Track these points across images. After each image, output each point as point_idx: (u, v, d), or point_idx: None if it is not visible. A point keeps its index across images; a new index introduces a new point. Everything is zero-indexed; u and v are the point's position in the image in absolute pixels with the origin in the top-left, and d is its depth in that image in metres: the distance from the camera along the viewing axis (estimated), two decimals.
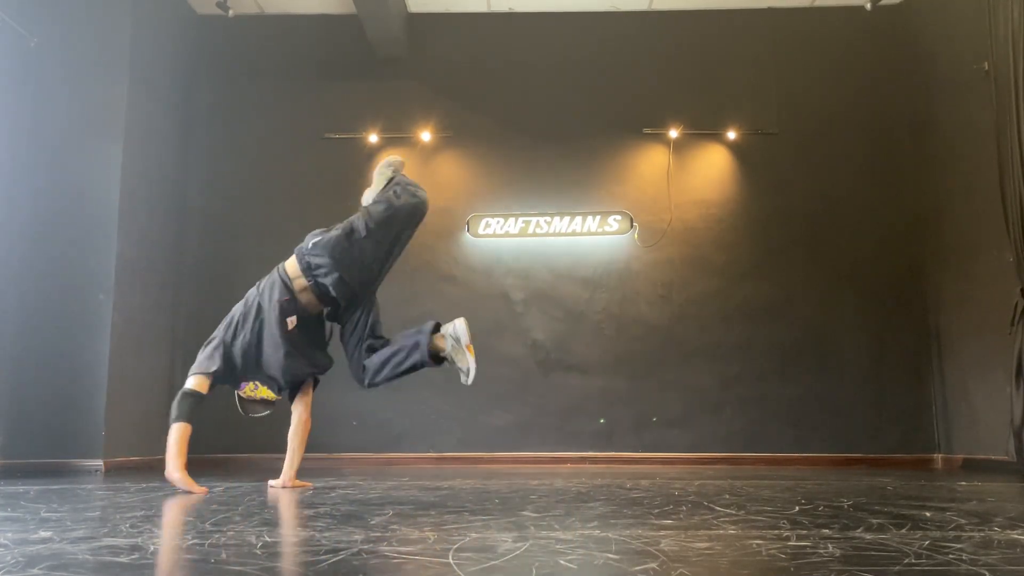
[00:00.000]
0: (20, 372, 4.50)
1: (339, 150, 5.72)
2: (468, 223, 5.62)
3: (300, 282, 3.20)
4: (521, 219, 5.56)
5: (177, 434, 3.02)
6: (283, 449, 5.31)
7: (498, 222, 5.58)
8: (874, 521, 1.87)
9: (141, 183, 5.01)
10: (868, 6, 5.39)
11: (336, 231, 3.20)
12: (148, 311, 5.07)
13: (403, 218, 3.29)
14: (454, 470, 4.55)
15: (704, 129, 5.69)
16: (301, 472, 4.22)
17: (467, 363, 3.03)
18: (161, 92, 5.33)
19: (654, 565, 1.28)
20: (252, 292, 3.29)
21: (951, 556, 1.36)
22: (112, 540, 1.56)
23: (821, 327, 5.46)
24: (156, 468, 4.97)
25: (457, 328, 3.05)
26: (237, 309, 3.27)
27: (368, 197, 3.41)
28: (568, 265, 5.59)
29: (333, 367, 5.63)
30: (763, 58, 5.77)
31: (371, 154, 5.73)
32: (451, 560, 1.33)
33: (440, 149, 5.73)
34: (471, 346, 3.06)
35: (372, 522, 1.88)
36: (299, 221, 5.67)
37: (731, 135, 5.65)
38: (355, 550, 1.44)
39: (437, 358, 3.09)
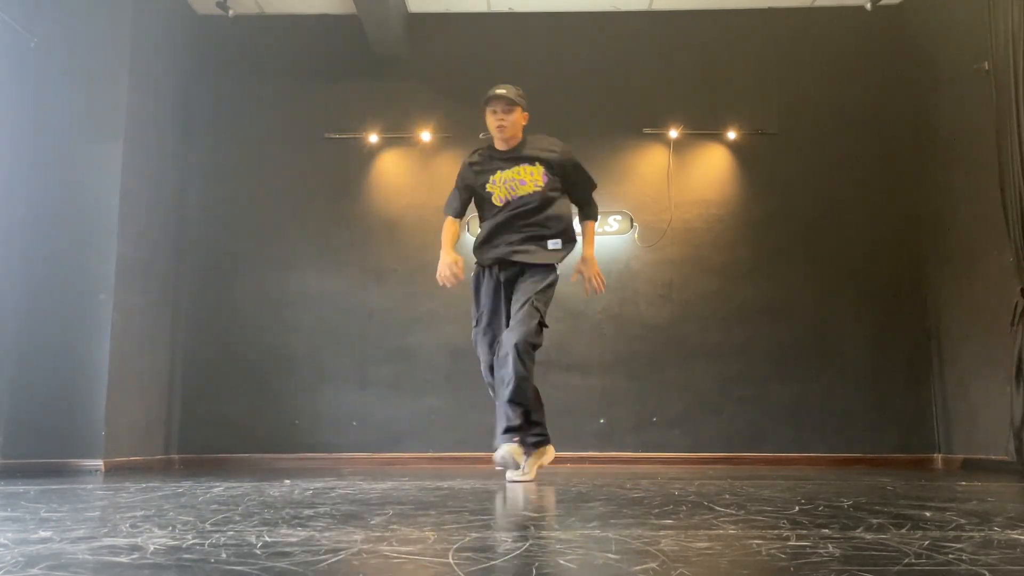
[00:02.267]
0: (20, 372, 4.50)
1: (339, 150, 5.72)
2: (468, 223, 5.61)
3: None
4: None
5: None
6: (281, 449, 5.32)
7: None
8: (874, 521, 1.87)
9: (141, 183, 5.01)
10: (868, 6, 5.39)
11: None
12: (148, 311, 5.07)
13: None
14: (454, 470, 4.55)
15: (704, 129, 5.69)
16: (302, 472, 4.23)
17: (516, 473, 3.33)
18: (161, 92, 5.33)
19: (654, 565, 1.28)
20: None
21: (951, 556, 1.36)
22: (112, 540, 1.56)
23: (821, 327, 5.46)
24: (156, 468, 4.98)
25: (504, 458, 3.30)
26: None
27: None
28: (568, 265, 5.57)
29: (328, 365, 5.64)
30: (763, 58, 5.77)
31: (371, 154, 5.74)
32: (451, 560, 1.33)
33: (440, 149, 5.73)
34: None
35: (372, 522, 1.88)
36: (299, 221, 5.69)
37: (731, 135, 5.65)
38: (355, 550, 1.44)
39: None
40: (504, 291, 3.49)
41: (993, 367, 4.65)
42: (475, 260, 3.60)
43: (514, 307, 3.38)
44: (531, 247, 3.46)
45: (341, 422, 5.42)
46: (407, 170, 5.74)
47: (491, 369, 3.48)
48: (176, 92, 5.55)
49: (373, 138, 5.71)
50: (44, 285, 4.60)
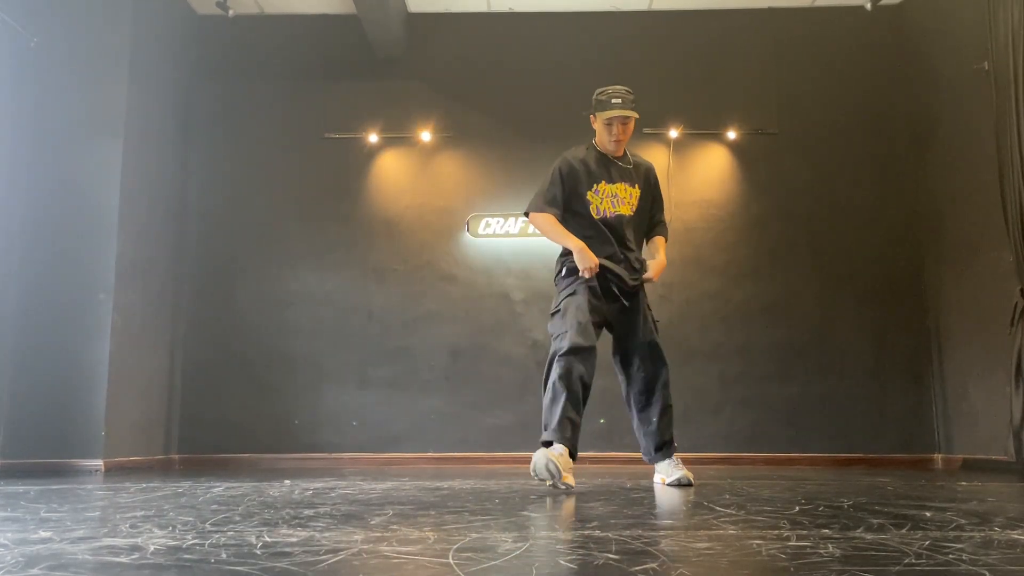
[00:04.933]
0: (20, 372, 4.50)
1: (339, 150, 5.72)
2: (468, 223, 5.61)
3: None
4: (521, 219, 5.56)
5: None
6: (281, 449, 5.32)
7: (498, 222, 5.58)
8: (874, 521, 1.87)
9: (141, 183, 5.01)
10: (868, 6, 5.39)
11: None
12: (148, 311, 5.07)
13: None
14: (454, 470, 4.55)
15: (704, 129, 5.69)
16: (302, 472, 4.23)
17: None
18: (161, 92, 5.33)
19: (654, 565, 1.28)
20: None
21: (951, 556, 1.36)
22: (112, 540, 1.56)
23: (821, 327, 5.46)
24: (156, 468, 4.98)
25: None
26: None
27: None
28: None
29: (328, 365, 5.63)
30: (763, 58, 5.77)
31: (371, 154, 5.74)
32: (451, 560, 1.33)
33: (440, 149, 5.73)
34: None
35: (372, 522, 1.88)
36: (299, 221, 5.69)
37: (731, 135, 5.65)
38: (355, 550, 1.44)
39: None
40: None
41: (993, 367, 4.65)
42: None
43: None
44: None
45: (341, 422, 5.42)
46: (407, 170, 5.74)
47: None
48: (176, 92, 5.55)
49: (373, 138, 5.71)
50: (44, 285, 4.60)
